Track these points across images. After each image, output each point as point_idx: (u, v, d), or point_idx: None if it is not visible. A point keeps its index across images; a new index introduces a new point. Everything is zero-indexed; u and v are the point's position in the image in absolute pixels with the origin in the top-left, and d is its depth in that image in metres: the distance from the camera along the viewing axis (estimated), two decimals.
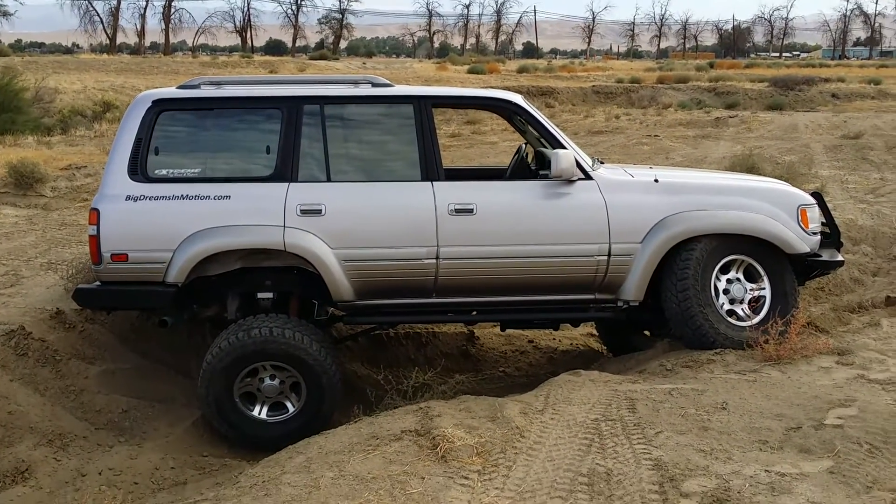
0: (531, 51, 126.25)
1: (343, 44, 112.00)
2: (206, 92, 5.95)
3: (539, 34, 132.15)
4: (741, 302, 5.99)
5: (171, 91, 6.00)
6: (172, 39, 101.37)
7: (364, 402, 5.93)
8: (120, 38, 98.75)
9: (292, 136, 5.80)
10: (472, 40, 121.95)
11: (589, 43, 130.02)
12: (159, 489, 5.33)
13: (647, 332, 7.05)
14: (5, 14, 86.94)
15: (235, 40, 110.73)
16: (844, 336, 6.31)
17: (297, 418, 5.79)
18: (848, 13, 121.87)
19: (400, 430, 4.42)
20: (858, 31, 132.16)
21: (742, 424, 4.38)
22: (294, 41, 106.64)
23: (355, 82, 6.16)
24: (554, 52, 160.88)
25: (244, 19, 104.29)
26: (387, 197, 5.79)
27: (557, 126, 6.11)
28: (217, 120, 5.93)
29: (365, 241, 5.71)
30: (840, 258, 6.33)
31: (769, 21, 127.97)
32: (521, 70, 59.53)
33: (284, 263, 5.85)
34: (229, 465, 5.58)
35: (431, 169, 5.83)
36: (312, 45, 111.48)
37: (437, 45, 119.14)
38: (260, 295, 6.04)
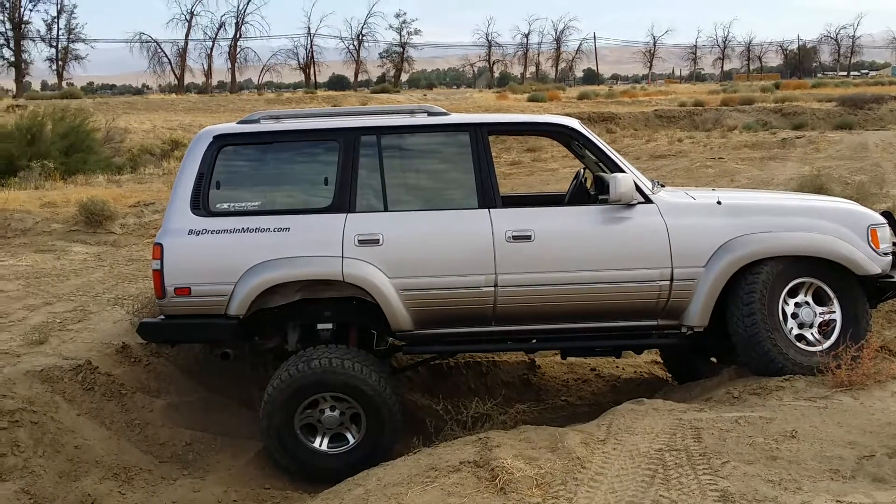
0: (591, 77, 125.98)
1: (404, 77, 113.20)
2: (265, 126, 6.03)
3: (599, 60, 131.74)
4: (810, 326, 5.80)
5: (231, 126, 6.10)
6: (238, 78, 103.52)
7: (424, 432, 5.89)
8: (188, 79, 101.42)
9: (350, 167, 5.83)
10: (532, 69, 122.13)
11: (650, 67, 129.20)
12: None
13: (713, 359, 6.87)
14: (77, 58, 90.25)
15: (299, 77, 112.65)
16: None
17: (357, 450, 5.77)
18: None
19: (458, 462, 4.36)
20: None
21: (812, 453, 4.21)
22: (356, 76, 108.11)
23: (411, 112, 6.19)
24: (615, 77, 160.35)
25: (307, 56, 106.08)
26: (444, 225, 5.77)
27: (619, 151, 6.04)
28: (276, 153, 6.00)
29: (423, 270, 5.69)
30: None
31: (836, 40, 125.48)
32: (581, 97, 59.38)
33: (343, 294, 5.86)
34: (290, 497, 5.59)
35: (488, 196, 5.81)
36: (374, 79, 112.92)
37: (496, 74, 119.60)
38: (319, 326, 6.05)
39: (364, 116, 6.20)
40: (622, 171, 5.87)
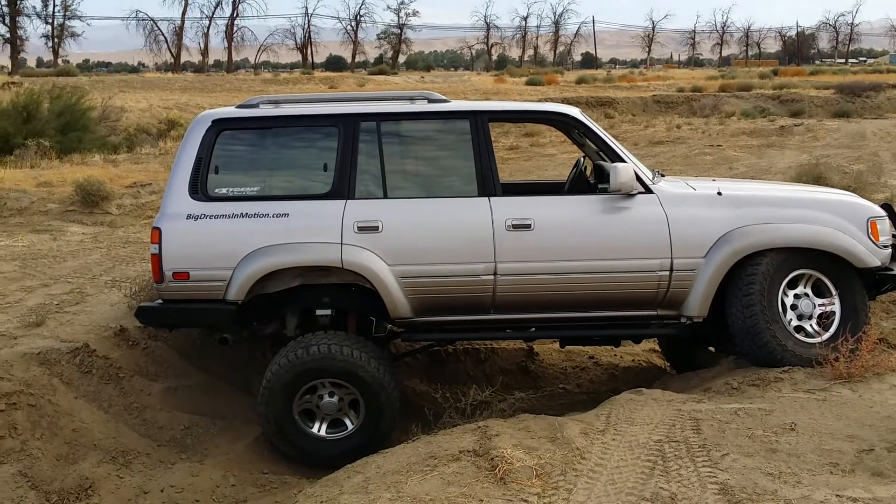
0: (590, 61, 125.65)
1: (402, 58, 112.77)
2: (265, 111, 5.99)
3: (598, 44, 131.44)
4: (810, 318, 5.80)
5: (230, 111, 6.07)
6: (235, 57, 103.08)
7: (422, 419, 5.89)
8: (184, 57, 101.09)
9: (349, 154, 5.81)
10: (531, 52, 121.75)
11: (649, 52, 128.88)
12: None
13: (711, 349, 6.87)
14: (73, 35, 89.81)
15: (296, 57, 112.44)
16: None
17: (355, 436, 5.79)
18: None
19: (458, 451, 4.36)
20: None
21: (812, 446, 4.22)
22: (353, 57, 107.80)
23: (411, 98, 6.16)
24: (613, 61, 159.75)
25: (305, 36, 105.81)
26: (444, 213, 5.76)
27: (616, 137, 6.03)
28: (275, 138, 5.97)
29: (422, 257, 5.68)
30: None
31: (834, 27, 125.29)
32: (579, 81, 59.25)
33: (342, 280, 5.85)
34: (289, 482, 5.60)
35: (488, 184, 5.79)
36: (372, 60, 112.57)
37: (495, 57, 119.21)
38: (318, 312, 6.04)
39: (364, 102, 6.16)
40: (623, 160, 5.85)
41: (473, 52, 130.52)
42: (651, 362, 7.85)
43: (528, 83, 55.20)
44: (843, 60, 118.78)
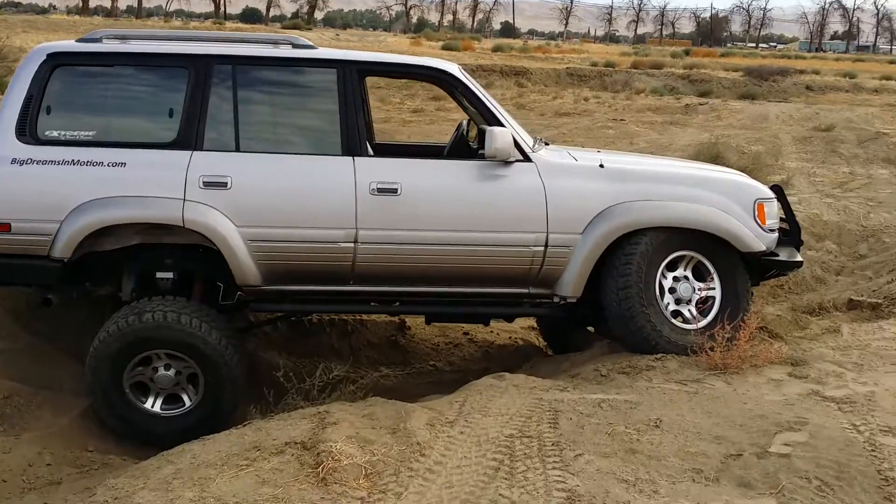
0: (509, 30, 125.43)
1: (320, 15, 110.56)
2: (108, 46, 5.34)
3: (517, 14, 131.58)
4: (688, 302, 5.46)
5: (69, 44, 5.40)
6: (147, 4, 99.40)
7: (266, 399, 5.35)
8: (95, 2, 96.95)
9: (199, 99, 5.19)
10: (450, 17, 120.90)
11: (566, 25, 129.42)
12: (29, 489, 4.75)
13: (590, 329, 6.50)
14: None
15: (210, 7, 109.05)
16: (800, 343, 5.83)
17: (193, 413, 5.24)
18: (826, 6, 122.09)
19: (284, 442, 3.82)
20: (836, 25, 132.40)
21: (675, 448, 3.83)
22: (268, 9, 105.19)
23: (275, 42, 5.56)
24: (532, 32, 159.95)
25: None
26: (301, 172, 5.21)
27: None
28: (117, 78, 5.36)
29: (274, 219, 5.12)
30: (799, 258, 5.81)
31: (747, 11, 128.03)
32: (495, 49, 58.76)
33: (187, 241, 5.25)
34: (111, 463, 5.00)
35: (354, 143, 5.25)
36: (288, 15, 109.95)
37: (414, 20, 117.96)
38: (159, 274, 5.43)
39: (220, 43, 5.54)
40: (501, 124, 5.37)
41: (392, 13, 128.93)
42: (528, 340, 7.45)
43: (444, 48, 54.55)
44: (755, 45, 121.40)
